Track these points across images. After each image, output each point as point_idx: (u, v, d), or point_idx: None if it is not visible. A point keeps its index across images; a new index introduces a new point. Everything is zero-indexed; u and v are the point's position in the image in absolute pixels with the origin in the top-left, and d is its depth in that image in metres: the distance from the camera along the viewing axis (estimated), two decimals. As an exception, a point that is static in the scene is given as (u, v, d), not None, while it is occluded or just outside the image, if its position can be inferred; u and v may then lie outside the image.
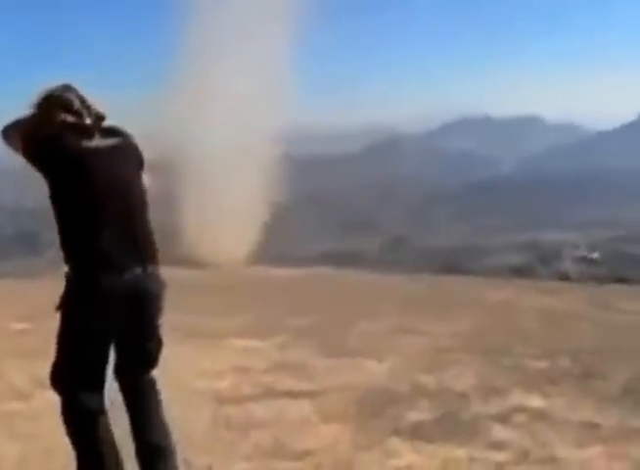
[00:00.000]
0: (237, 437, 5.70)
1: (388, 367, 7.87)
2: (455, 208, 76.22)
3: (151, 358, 4.22)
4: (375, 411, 6.32)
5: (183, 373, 7.45)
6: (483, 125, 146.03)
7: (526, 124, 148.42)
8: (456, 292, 16.13)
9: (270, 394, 6.85)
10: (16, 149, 3.98)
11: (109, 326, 3.93)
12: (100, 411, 4.04)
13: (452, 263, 50.87)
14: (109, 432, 4.05)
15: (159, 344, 4.21)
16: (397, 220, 69.65)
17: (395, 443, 5.56)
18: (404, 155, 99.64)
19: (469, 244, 61.42)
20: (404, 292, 15.84)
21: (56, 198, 3.88)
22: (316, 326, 10.33)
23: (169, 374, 7.16)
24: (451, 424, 5.99)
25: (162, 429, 4.16)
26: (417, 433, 5.75)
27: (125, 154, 4.05)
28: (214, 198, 33.42)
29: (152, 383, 4.24)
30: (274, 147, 34.75)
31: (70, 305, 3.88)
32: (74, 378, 3.99)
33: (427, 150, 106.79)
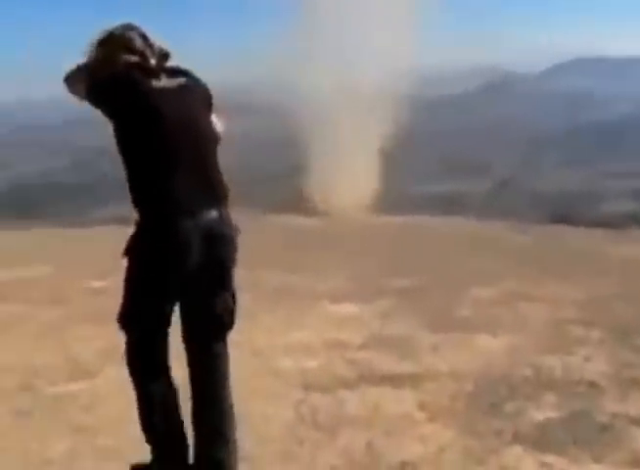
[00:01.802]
0: (323, 438, 4.76)
1: (504, 345, 6.74)
2: (567, 151, 73.37)
3: (224, 318, 3.91)
4: (490, 406, 5.26)
5: (264, 346, 6.61)
6: (598, 65, 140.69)
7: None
8: (573, 246, 14.78)
9: (366, 378, 5.85)
10: (80, 95, 3.81)
11: (179, 275, 3.73)
12: (163, 362, 3.90)
13: (563, 211, 48.83)
14: (170, 384, 3.91)
15: (233, 300, 3.92)
16: (506, 163, 67.47)
17: (516, 453, 4.52)
18: (516, 96, 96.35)
19: (581, 190, 58.94)
20: (516, 246, 14.61)
21: (124, 140, 3.73)
22: (421, 290, 9.25)
23: (247, 346, 6.40)
24: (583, 427, 4.89)
25: (226, 412, 3.91)
26: (542, 439, 4.69)
27: (194, 94, 3.86)
28: (331, 143, 32.54)
29: (222, 352, 3.95)
30: (392, 89, 33.52)
31: (140, 251, 3.71)
32: (139, 324, 3.84)
33: (539, 91, 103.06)
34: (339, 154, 32.04)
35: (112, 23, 3.86)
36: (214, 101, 3.98)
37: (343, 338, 6.92)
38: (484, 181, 62.86)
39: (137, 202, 3.72)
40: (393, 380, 5.79)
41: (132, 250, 3.72)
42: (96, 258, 11.04)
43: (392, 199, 30.33)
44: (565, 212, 47.24)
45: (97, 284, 9.40)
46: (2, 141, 76.29)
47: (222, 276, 3.85)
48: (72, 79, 3.86)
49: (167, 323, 3.86)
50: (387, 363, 6.20)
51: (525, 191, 58.89)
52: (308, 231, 16.47)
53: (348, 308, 8.12)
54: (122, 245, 3.77)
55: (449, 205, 43.97)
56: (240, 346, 6.25)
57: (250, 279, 9.70)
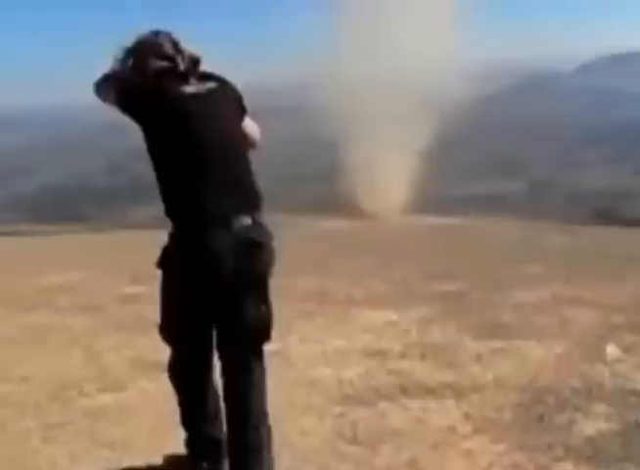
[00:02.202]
0: (364, 454, 4.51)
1: (550, 353, 6.42)
2: (606, 149, 72.52)
3: (260, 330, 3.82)
4: (539, 419, 4.98)
5: (300, 356, 6.39)
6: (629, 61, 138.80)
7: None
8: (618, 248, 14.40)
9: (408, 389, 5.57)
10: (110, 102, 3.78)
11: (213, 286, 3.65)
12: (205, 374, 3.94)
13: (603, 209, 48.16)
14: (212, 393, 3.95)
15: (269, 311, 3.83)
16: (544, 162, 66.79)
17: (568, 469, 4.23)
18: (552, 93, 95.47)
19: (622, 188, 58.20)
20: (559, 247, 14.24)
21: (155, 147, 3.69)
22: (462, 295, 8.96)
23: (282, 355, 6.17)
24: (637, 441, 4.59)
25: (261, 428, 3.78)
26: (594, 454, 4.40)
27: (225, 98, 3.80)
28: (369, 143, 32.20)
29: (258, 366, 3.84)
30: (432, 87, 33.14)
31: (173, 263, 3.68)
32: (178, 337, 3.87)
33: (574, 88, 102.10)
34: (376, 154, 31.68)
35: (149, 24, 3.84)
36: (247, 105, 3.91)
37: (383, 346, 6.66)
38: (523, 180, 62.27)
39: (169, 212, 3.69)
40: (436, 391, 5.53)
41: (165, 261, 3.70)
42: (130, 263, 10.91)
43: (431, 199, 29.94)
44: (605, 211, 46.69)
45: (131, 290, 9.24)
46: (38, 145, 76.89)
47: (257, 286, 3.77)
48: (102, 86, 3.85)
49: (207, 335, 3.82)
50: (429, 373, 5.93)
51: (563, 190, 58.24)
52: (345, 234, 16.23)
53: (387, 315, 7.84)
54: (158, 249, 3.72)
55: (489, 204, 43.56)
56: (275, 355, 6.05)
57: (284, 284, 9.50)
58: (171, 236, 3.68)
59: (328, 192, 33.52)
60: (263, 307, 3.79)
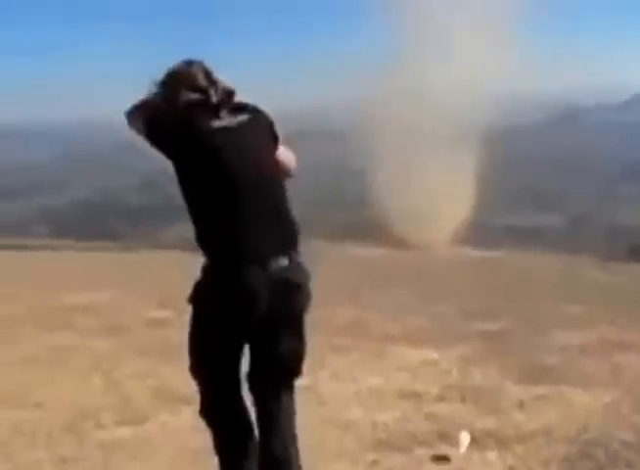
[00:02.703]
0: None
1: (599, 402, 5.99)
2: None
3: (292, 365, 3.73)
4: (588, 475, 4.59)
5: (332, 394, 6.02)
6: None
7: None
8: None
9: (446, 436, 5.19)
10: (139, 132, 3.68)
11: (248, 325, 3.56)
12: (238, 410, 3.79)
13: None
14: (247, 428, 3.78)
15: (303, 347, 3.73)
16: (585, 196, 66.14)
17: None
18: (592, 127, 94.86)
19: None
20: (603, 285, 13.77)
21: (186, 183, 3.57)
22: (504, 334, 8.55)
23: (313, 393, 5.80)
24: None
25: (288, 442, 3.71)
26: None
27: (257, 130, 3.66)
28: (418, 173, 31.81)
29: (288, 403, 3.76)
30: (476, 118, 32.78)
31: (206, 299, 3.53)
32: (209, 376, 3.72)
33: (614, 122, 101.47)
34: (421, 183, 31.25)
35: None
36: (283, 133, 3.78)
37: (420, 387, 6.26)
38: (560, 214, 61.71)
39: (203, 247, 3.54)
40: (477, 439, 5.13)
41: (198, 297, 3.56)
42: (159, 285, 10.61)
43: (472, 230, 29.49)
44: (641, 247, 45.98)
45: (157, 314, 8.93)
46: (72, 157, 77.32)
47: (293, 325, 3.67)
48: (133, 115, 3.75)
49: (237, 372, 3.73)
50: (469, 419, 5.54)
51: (603, 224, 57.59)
52: (385, 264, 15.83)
53: (426, 353, 7.44)
54: (187, 272, 3.67)
55: (527, 236, 43.07)
56: (306, 392, 5.70)
57: (319, 316, 9.16)
58: (204, 271, 3.54)
59: (368, 219, 33.11)
60: (297, 343, 3.69)
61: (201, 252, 3.56)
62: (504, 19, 34.55)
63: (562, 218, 60.78)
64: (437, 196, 30.57)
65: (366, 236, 26.34)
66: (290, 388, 3.76)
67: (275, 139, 3.75)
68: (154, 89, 3.69)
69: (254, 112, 3.70)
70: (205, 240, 3.54)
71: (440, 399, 5.98)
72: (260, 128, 3.69)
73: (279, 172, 3.73)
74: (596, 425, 5.44)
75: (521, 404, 5.89)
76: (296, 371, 3.75)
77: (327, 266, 16.44)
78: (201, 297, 3.56)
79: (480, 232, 29.71)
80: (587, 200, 65.34)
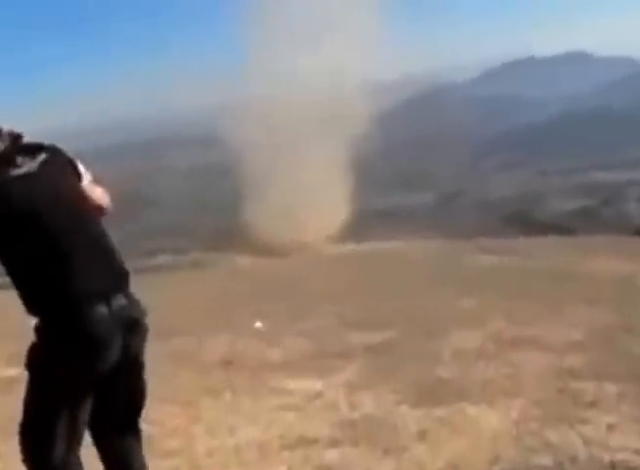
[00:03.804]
0: None
1: (509, 420, 5.33)
2: (508, 155, 73.44)
3: (141, 407, 3.64)
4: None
5: (209, 454, 5.21)
6: (528, 67, 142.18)
7: (574, 61, 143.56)
8: (548, 264, 13.55)
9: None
10: None
11: (99, 373, 3.30)
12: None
13: (514, 215, 48.41)
14: None
15: (146, 387, 3.62)
16: (453, 172, 67.19)
17: None
18: (447, 105, 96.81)
19: (528, 192, 58.75)
20: (486, 270, 13.33)
21: (1, 245, 3.27)
22: (392, 344, 7.85)
23: (189, 455, 5.01)
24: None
25: None
26: None
27: (62, 169, 3.45)
28: (287, 172, 30.94)
29: (139, 440, 3.69)
30: (344, 105, 32.28)
31: (51, 357, 3.23)
32: (54, 441, 3.34)
33: (470, 98, 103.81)
34: (290, 181, 30.47)
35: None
36: (90, 170, 3.59)
37: (306, 430, 5.42)
38: (430, 193, 62.25)
39: (35, 305, 3.25)
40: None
41: (40, 359, 3.26)
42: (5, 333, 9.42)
43: (348, 223, 28.98)
44: (514, 216, 46.87)
45: (6, 373, 7.81)
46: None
47: (140, 364, 3.53)
48: None
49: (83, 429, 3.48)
50: (365, 464, 4.79)
51: (470, 199, 58.39)
52: (258, 274, 15.02)
53: (309, 384, 6.58)
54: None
55: (401, 217, 43.12)
56: (178, 455, 4.92)
57: (187, 350, 8.38)
58: (40, 331, 3.24)
59: (236, 224, 32.22)
60: (144, 383, 3.58)
61: (34, 316, 3.25)
62: (361, 7, 34.30)
63: (433, 197, 61.54)
64: (308, 193, 29.90)
65: (235, 244, 25.47)
66: (140, 432, 3.68)
67: (79, 176, 3.52)
68: None
69: (52, 150, 3.45)
70: (35, 298, 3.26)
71: (331, 443, 5.17)
72: (63, 166, 3.45)
73: (93, 210, 3.49)
74: (508, 451, 4.80)
75: (422, 435, 5.19)
76: (142, 408, 3.65)
77: (193, 283, 15.65)
78: (44, 358, 3.24)
79: (355, 224, 29.17)
80: (456, 176, 66.42)
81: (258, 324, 9.30)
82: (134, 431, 3.65)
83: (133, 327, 3.37)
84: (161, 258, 25.43)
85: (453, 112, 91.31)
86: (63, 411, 3.32)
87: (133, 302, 3.41)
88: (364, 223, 31.95)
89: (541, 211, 52.62)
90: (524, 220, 43.63)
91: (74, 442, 3.42)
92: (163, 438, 5.40)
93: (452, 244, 19.70)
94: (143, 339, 3.47)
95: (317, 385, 6.52)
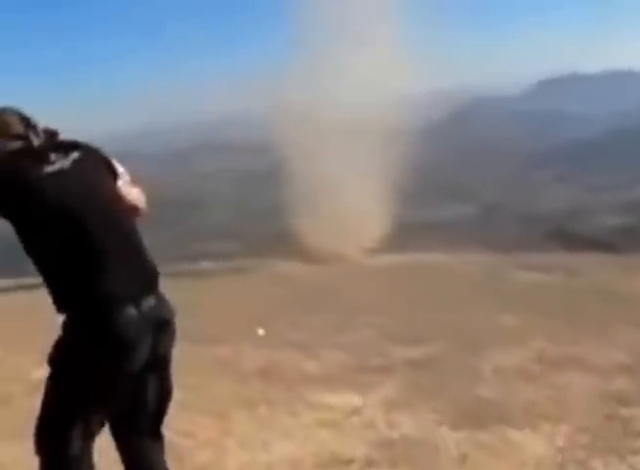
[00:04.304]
0: None
1: (553, 447, 5.11)
2: (555, 170, 72.76)
3: (165, 409, 3.60)
4: None
5: (220, 464, 5.06)
6: (571, 83, 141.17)
7: (618, 78, 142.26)
8: (597, 284, 13.21)
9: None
10: None
11: (127, 373, 3.27)
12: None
13: (558, 229, 47.82)
14: None
15: (171, 390, 3.61)
16: (493, 187, 66.67)
17: None
18: (491, 119, 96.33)
19: (574, 207, 58.12)
20: (528, 285, 13.05)
21: (31, 240, 3.26)
22: (433, 360, 7.64)
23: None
24: None
25: None
26: None
27: (96, 167, 3.42)
28: (331, 181, 30.67)
29: (162, 446, 3.64)
30: (386, 119, 32.02)
31: (76, 354, 3.20)
32: (71, 443, 3.32)
33: (514, 112, 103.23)
34: (334, 190, 30.21)
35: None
36: (129, 173, 3.56)
37: (342, 449, 5.22)
38: (474, 205, 61.84)
39: (64, 302, 3.23)
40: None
41: (64, 356, 3.23)
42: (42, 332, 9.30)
43: (391, 234, 28.69)
44: (558, 231, 46.30)
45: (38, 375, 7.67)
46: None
47: (167, 365, 3.51)
48: None
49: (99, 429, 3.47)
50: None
51: (515, 212, 57.86)
52: (300, 282, 14.82)
53: (347, 399, 6.38)
54: None
55: (444, 229, 42.81)
56: (204, 468, 4.78)
57: (224, 358, 8.23)
58: (67, 327, 3.22)
59: (280, 232, 32.09)
60: (171, 385, 3.56)
61: (63, 313, 3.23)
62: (397, 19, 33.94)
63: (476, 209, 61.12)
64: (353, 203, 29.65)
65: (279, 250, 25.31)
66: (162, 438, 3.62)
67: (114, 174, 3.49)
68: None
69: (86, 149, 3.42)
70: (64, 295, 3.23)
71: (366, 463, 4.97)
72: (97, 165, 3.43)
73: (126, 209, 3.46)
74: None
75: (463, 460, 5.00)
76: (166, 414, 3.60)
77: (234, 289, 15.52)
78: (67, 356, 3.23)
79: (397, 235, 28.87)
80: (499, 190, 65.95)
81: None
82: (157, 436, 3.60)
83: (162, 327, 3.36)
84: (205, 263, 25.30)
85: (497, 126, 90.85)
86: (82, 409, 3.32)
87: (162, 302, 3.40)
88: (407, 235, 31.63)
89: (584, 226, 51.95)
90: (565, 235, 43.08)
91: (90, 439, 3.41)
92: (193, 450, 5.26)
93: (494, 257, 19.38)
94: (171, 338, 3.46)
95: (355, 401, 6.31)
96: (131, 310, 3.19)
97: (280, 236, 31.62)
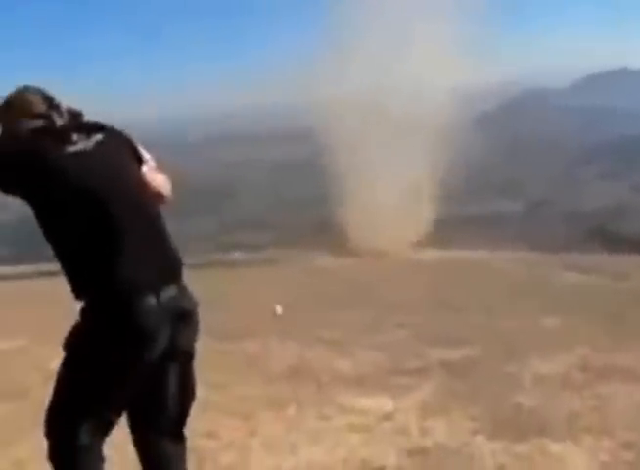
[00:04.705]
0: None
1: (596, 461, 4.83)
2: (602, 166, 71.67)
3: (187, 408, 3.45)
4: None
5: (245, 467, 4.85)
6: (621, 78, 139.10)
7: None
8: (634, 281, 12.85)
9: None
10: None
11: (141, 368, 3.16)
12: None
13: (602, 228, 47.09)
14: None
15: (193, 395, 3.46)
16: (540, 183, 65.90)
17: None
18: (539, 113, 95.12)
19: (620, 205, 57.18)
20: (572, 286, 12.68)
21: (50, 222, 3.13)
22: (471, 364, 7.36)
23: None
24: None
25: None
26: None
27: (119, 150, 3.30)
28: (375, 173, 30.30)
29: (184, 448, 3.50)
30: (435, 111, 31.64)
31: (93, 341, 3.10)
32: (82, 432, 3.22)
33: (562, 106, 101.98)
34: (379, 182, 29.83)
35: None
36: (155, 159, 3.47)
37: (373, 457, 4.97)
38: (520, 201, 61.18)
39: (82, 289, 3.14)
40: None
41: (80, 342, 3.16)
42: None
43: (435, 228, 28.32)
44: (601, 230, 45.59)
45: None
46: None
47: (189, 359, 3.38)
48: None
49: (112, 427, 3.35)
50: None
51: (560, 209, 57.15)
52: (338, 277, 14.57)
53: (380, 402, 6.11)
54: None
55: (488, 223, 42.32)
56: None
57: (253, 354, 8.01)
58: (84, 313, 3.14)
59: (322, 223, 31.85)
60: (194, 381, 3.44)
61: (81, 300, 3.13)
62: (447, 12, 33.45)
63: (521, 205, 60.50)
64: (395, 197, 29.27)
65: (315, 242, 25.09)
66: (184, 439, 3.49)
67: (139, 159, 3.38)
68: None
69: (110, 131, 3.33)
70: (83, 280, 3.14)
71: (399, 470, 4.75)
72: (121, 148, 3.32)
73: (151, 195, 3.35)
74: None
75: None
76: (188, 413, 3.46)
77: (267, 281, 15.33)
78: (83, 342, 3.15)
79: (440, 230, 28.47)
80: (546, 185, 65.20)
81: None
82: (178, 438, 3.47)
83: (182, 318, 3.25)
84: (237, 254, 25.19)
85: (544, 119, 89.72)
86: (94, 398, 3.23)
87: (184, 292, 3.29)
88: (451, 230, 31.28)
89: (628, 226, 51.11)
90: (608, 235, 42.35)
91: (101, 429, 3.31)
92: (217, 451, 5.07)
93: (537, 256, 19.05)
94: (193, 331, 3.35)
95: (388, 405, 6.05)
96: (151, 300, 3.10)
97: (316, 227, 31.46)
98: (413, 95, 32.82)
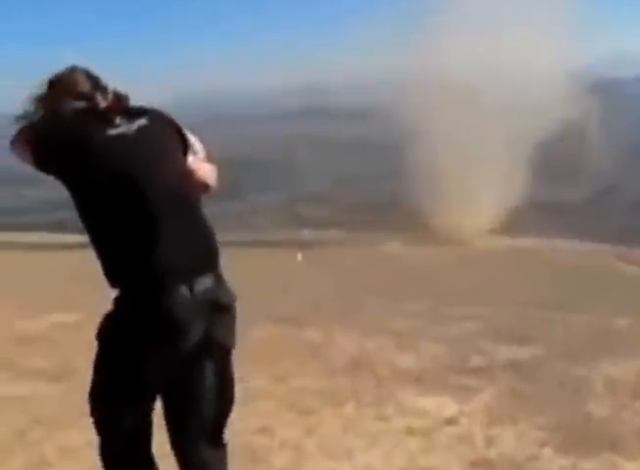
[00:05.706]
0: None
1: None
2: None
3: (224, 413, 3.26)
4: None
5: None
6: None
7: None
8: None
9: None
10: (26, 160, 3.11)
11: (171, 361, 3.09)
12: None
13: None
14: None
15: (233, 386, 3.27)
16: (606, 170, 64.60)
17: None
18: (610, 99, 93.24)
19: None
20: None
21: (86, 205, 3.06)
22: (538, 365, 7.04)
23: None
24: None
25: None
26: None
27: (163, 136, 3.17)
28: (454, 158, 29.78)
29: (224, 458, 3.32)
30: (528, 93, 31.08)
31: (122, 333, 3.05)
32: (116, 424, 3.18)
33: (634, 93, 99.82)
34: (458, 167, 29.29)
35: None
36: (203, 145, 3.33)
37: (433, 465, 4.73)
38: (582, 188, 60.08)
39: (116, 277, 3.07)
40: None
41: (110, 332, 3.10)
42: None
43: (510, 216, 27.79)
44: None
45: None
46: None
47: (224, 359, 3.23)
48: (17, 143, 3.16)
49: (150, 420, 3.26)
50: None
51: (627, 200, 56.00)
52: (408, 263, 14.33)
53: (442, 404, 5.85)
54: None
55: (552, 210, 41.55)
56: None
57: (316, 344, 7.77)
58: (117, 301, 3.07)
59: (382, 201, 31.43)
60: (229, 388, 3.27)
61: (114, 288, 3.06)
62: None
63: (590, 193, 59.40)
64: (471, 183, 28.70)
65: (384, 225, 24.74)
66: (224, 447, 3.33)
67: (184, 143, 3.26)
68: (28, 106, 3.18)
69: (155, 116, 3.22)
70: (117, 268, 3.08)
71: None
72: (165, 133, 3.22)
73: (194, 183, 3.25)
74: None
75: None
76: (226, 418, 3.29)
77: (331, 265, 15.10)
78: (114, 331, 3.09)
79: (513, 217, 27.83)
80: (614, 173, 63.99)
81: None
82: (215, 445, 3.30)
83: (217, 310, 3.14)
84: (305, 232, 24.99)
85: (615, 106, 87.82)
86: (128, 386, 3.16)
87: (220, 283, 3.18)
88: (528, 216, 30.73)
89: None
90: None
91: (139, 420, 3.23)
92: (270, 451, 4.86)
93: (606, 248, 18.51)
94: (230, 325, 3.23)
95: (452, 408, 5.77)
96: (184, 290, 3.02)
97: (387, 210, 30.97)
98: (512, 79, 32.25)
